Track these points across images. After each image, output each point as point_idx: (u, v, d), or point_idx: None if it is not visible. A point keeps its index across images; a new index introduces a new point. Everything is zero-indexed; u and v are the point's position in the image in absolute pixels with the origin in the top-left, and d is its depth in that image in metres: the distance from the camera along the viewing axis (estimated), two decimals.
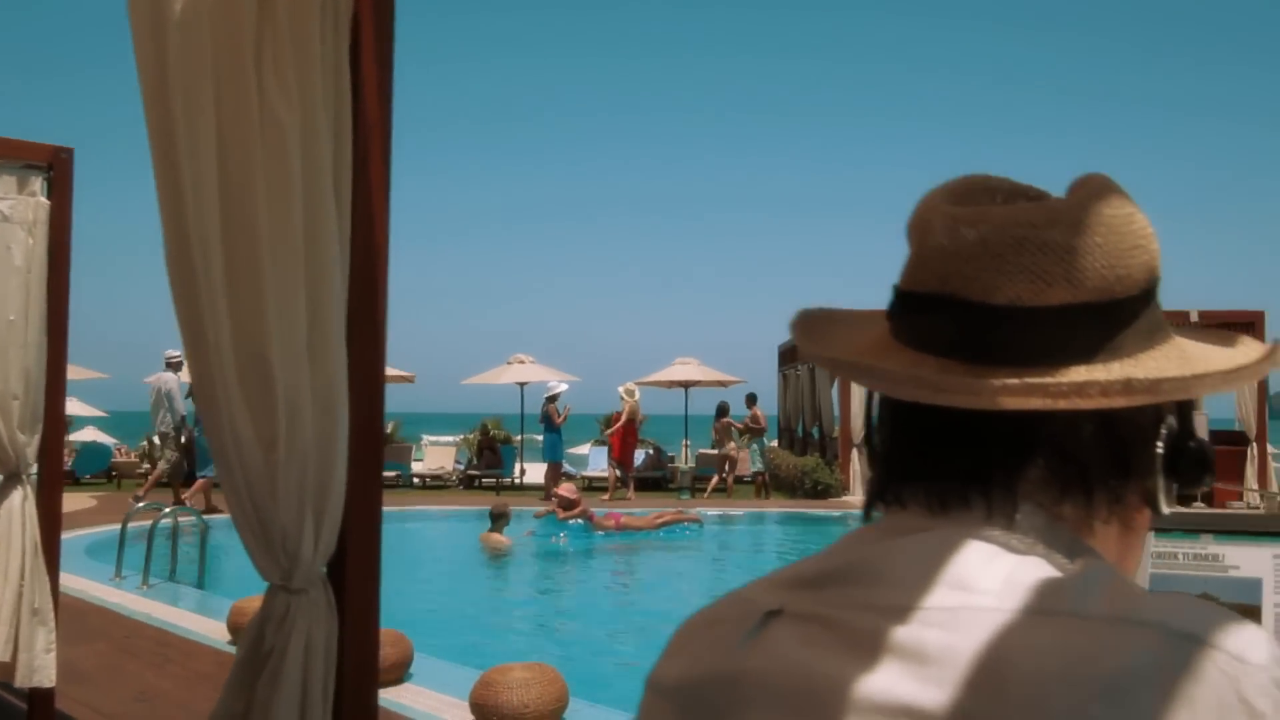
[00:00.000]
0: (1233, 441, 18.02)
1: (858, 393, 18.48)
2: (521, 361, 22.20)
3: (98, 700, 5.62)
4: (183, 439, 15.20)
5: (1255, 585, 1.18)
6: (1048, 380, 0.71)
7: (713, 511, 16.16)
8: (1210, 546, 1.23)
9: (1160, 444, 0.77)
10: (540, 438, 19.71)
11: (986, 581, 0.68)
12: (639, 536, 13.85)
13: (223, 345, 1.99)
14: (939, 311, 0.76)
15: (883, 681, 0.66)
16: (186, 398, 14.76)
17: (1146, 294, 0.77)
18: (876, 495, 0.81)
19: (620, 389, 19.57)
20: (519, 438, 23.41)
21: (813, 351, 0.82)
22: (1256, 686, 0.62)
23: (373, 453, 2.22)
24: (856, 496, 18.52)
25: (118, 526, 10.07)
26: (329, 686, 2.11)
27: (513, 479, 21.66)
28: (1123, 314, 0.75)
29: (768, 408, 22.10)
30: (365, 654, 2.22)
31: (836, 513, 16.44)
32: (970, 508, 0.74)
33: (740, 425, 19.96)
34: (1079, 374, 0.72)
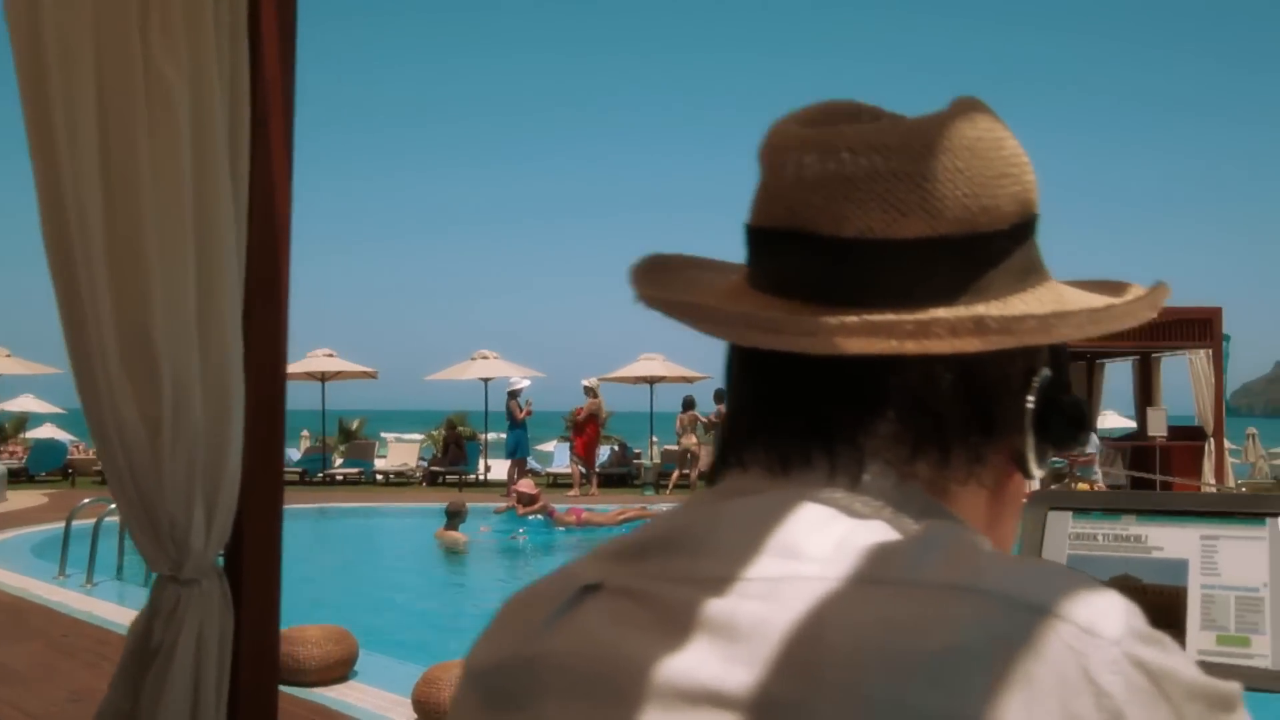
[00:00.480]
0: (1191, 437, 18.19)
1: None
2: (485, 357, 22.03)
3: (27, 701, 5.45)
4: None
5: (1180, 567, 1.09)
6: (890, 318, 0.62)
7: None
8: (1132, 527, 1.14)
9: (1031, 399, 0.69)
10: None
11: (815, 548, 0.60)
12: (600, 532, 13.74)
13: (103, 320, 1.86)
14: (788, 248, 0.68)
15: (687, 662, 0.58)
16: None
17: (1019, 230, 0.68)
18: (719, 457, 0.71)
19: (583, 384, 19.46)
20: (484, 434, 23.25)
21: (644, 293, 0.72)
22: (1106, 662, 0.53)
23: (272, 436, 2.10)
24: None
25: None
26: (223, 685, 2.00)
27: (476, 475, 21.50)
28: (989, 251, 0.66)
29: None
30: (264, 650, 2.10)
31: None
32: (812, 467, 0.65)
33: (706, 420, 19.90)
34: (929, 314, 0.63)
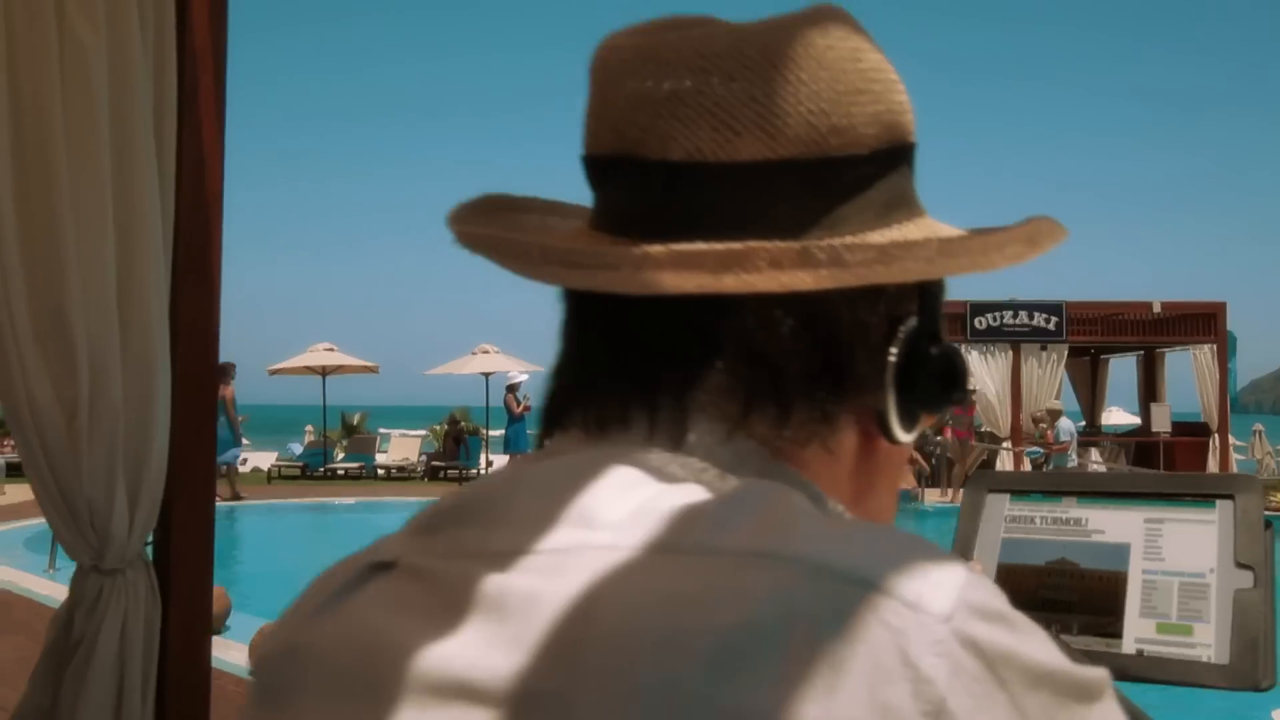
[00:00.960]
0: (1195, 433, 18.06)
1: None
2: (486, 352, 21.96)
3: (8, 698, 5.38)
4: None
5: (1121, 551, 1.01)
6: (700, 248, 0.53)
7: None
8: (1073, 510, 1.05)
9: (894, 351, 0.59)
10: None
11: (611, 514, 0.51)
12: None
13: (14, 297, 1.77)
14: (616, 177, 0.60)
15: (445, 650, 0.49)
16: None
17: (882, 157, 0.59)
18: (543, 418, 0.62)
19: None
20: (485, 429, 23.20)
21: (455, 228, 0.62)
22: (929, 643, 0.45)
23: (203, 420, 2.01)
24: None
25: None
26: (150, 680, 1.90)
27: (477, 470, 21.44)
28: (842, 179, 0.57)
29: None
30: (194, 644, 2.01)
31: None
32: (630, 427, 0.57)
33: None
34: (747, 244, 0.54)
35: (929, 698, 0.44)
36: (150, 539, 1.97)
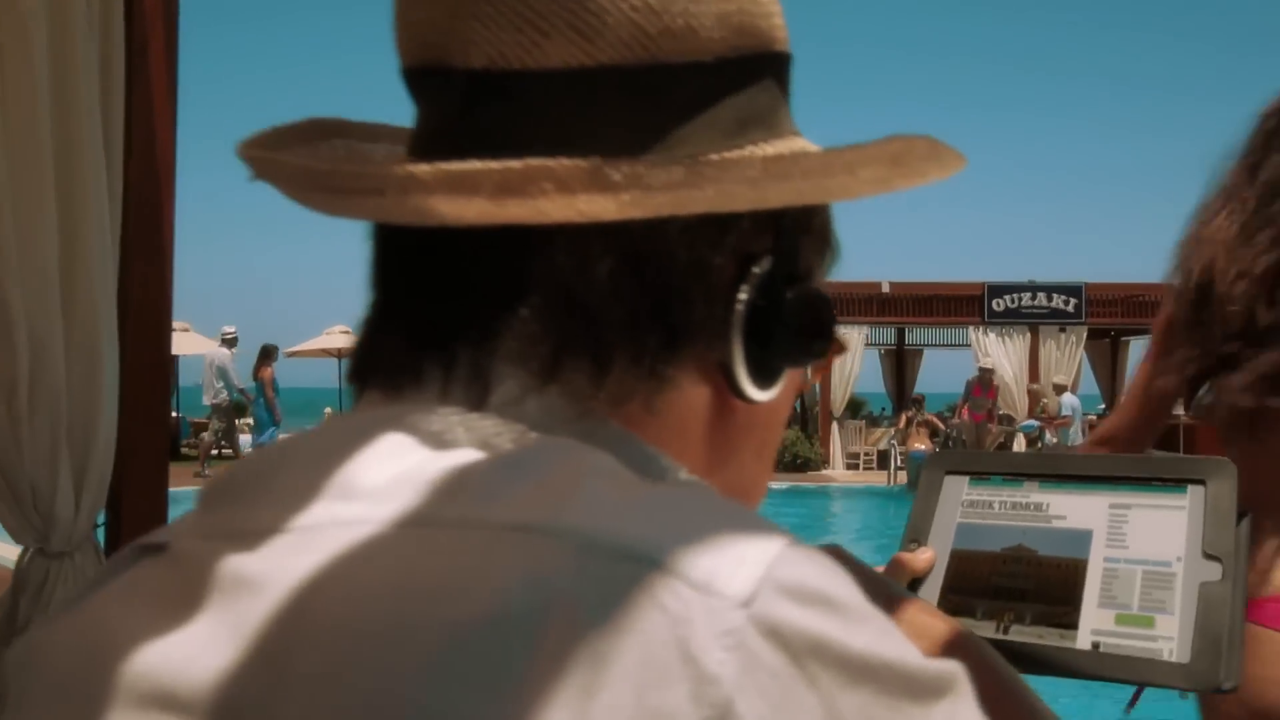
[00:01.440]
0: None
1: (837, 366, 18.31)
2: None
3: None
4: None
5: (1083, 538, 0.93)
6: (475, 167, 0.45)
7: None
8: (1034, 494, 0.97)
9: (742, 297, 0.52)
10: None
11: (370, 483, 0.44)
12: None
13: None
14: (422, 90, 0.53)
15: (162, 652, 0.43)
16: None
17: (734, 67, 0.51)
18: (349, 376, 0.54)
19: None
20: None
21: (245, 150, 0.55)
22: (717, 634, 0.38)
23: (155, 397, 1.94)
24: (837, 470, 18.37)
25: None
26: None
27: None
28: (679, 90, 0.49)
29: None
30: None
31: (815, 486, 16.25)
32: (423, 384, 0.49)
33: None
34: (528, 162, 0.46)
35: (712, 701, 0.37)
36: (103, 522, 1.91)
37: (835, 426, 18.34)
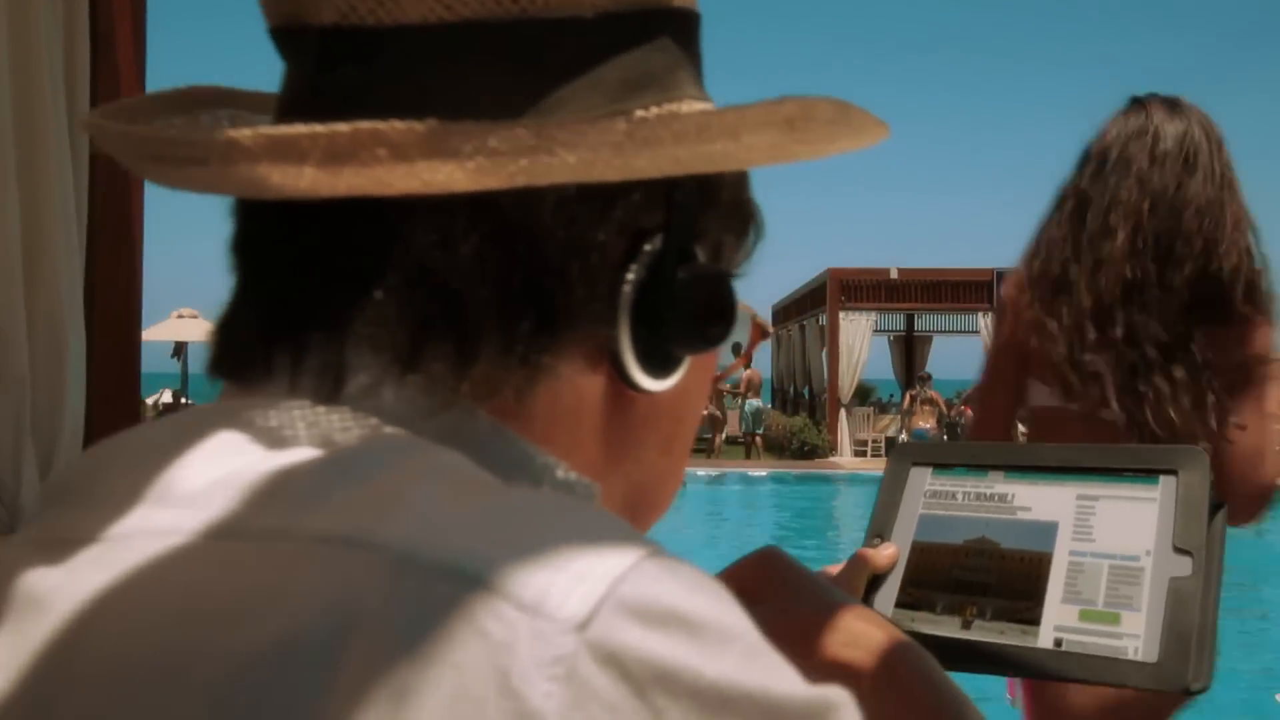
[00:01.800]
0: None
1: (845, 352, 18.27)
2: None
3: None
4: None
5: (1048, 530, 0.88)
6: (300, 131, 0.41)
7: (699, 471, 15.89)
8: (998, 485, 0.93)
9: (630, 277, 0.48)
10: None
11: (190, 487, 0.41)
12: None
13: None
14: (284, 50, 0.49)
15: None
16: (172, 356, 15.56)
17: (620, 23, 0.46)
18: (206, 367, 0.50)
19: None
20: None
21: (86, 120, 0.51)
22: (545, 661, 0.33)
23: (124, 386, 1.90)
24: (844, 457, 18.32)
25: None
26: None
27: None
28: (556, 48, 0.45)
29: (763, 368, 21.92)
30: None
31: (823, 473, 16.21)
32: (272, 375, 0.45)
33: (728, 388, 19.73)
34: (371, 125, 0.42)
35: None
36: None
37: (843, 413, 18.29)
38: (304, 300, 0.45)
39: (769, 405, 22.33)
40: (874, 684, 0.63)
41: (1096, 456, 0.89)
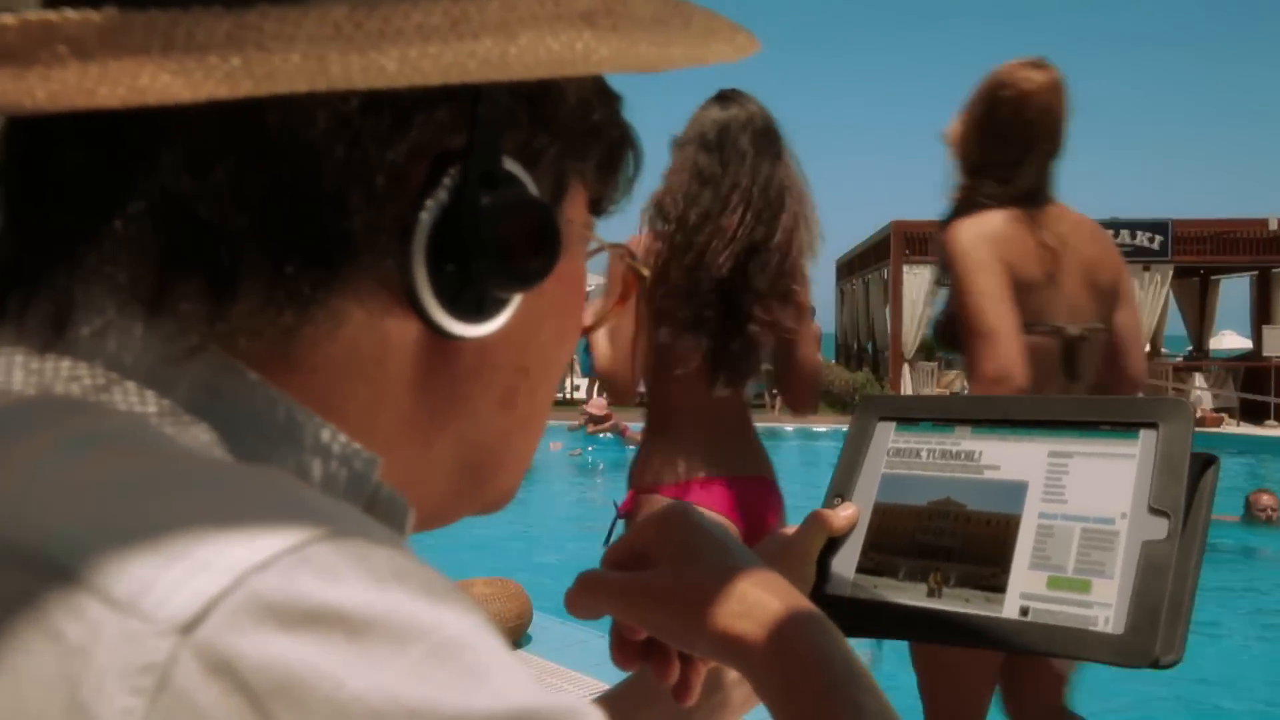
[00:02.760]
0: None
1: (908, 306, 17.99)
2: None
3: None
4: None
5: (1017, 491, 0.81)
6: None
7: (760, 425, 15.79)
8: (965, 442, 0.86)
9: (430, 204, 0.42)
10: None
11: None
12: None
13: None
14: None
15: None
16: None
17: None
18: None
19: None
20: None
21: None
22: (129, 670, 0.27)
23: None
24: None
25: None
26: None
27: (562, 394, 21.63)
28: None
29: (824, 323, 21.73)
30: None
31: None
32: (4, 318, 0.41)
33: None
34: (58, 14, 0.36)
35: None
36: None
37: (907, 369, 18.03)
38: (41, 234, 0.40)
39: (832, 360, 22.13)
40: (763, 659, 0.56)
41: (1072, 409, 0.81)
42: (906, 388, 18.02)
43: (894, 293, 18.47)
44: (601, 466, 13.06)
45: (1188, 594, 0.71)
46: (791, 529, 0.84)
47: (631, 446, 13.65)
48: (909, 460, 0.86)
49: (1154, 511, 0.73)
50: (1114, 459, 0.77)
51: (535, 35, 0.38)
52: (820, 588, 0.81)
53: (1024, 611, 0.74)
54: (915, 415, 0.87)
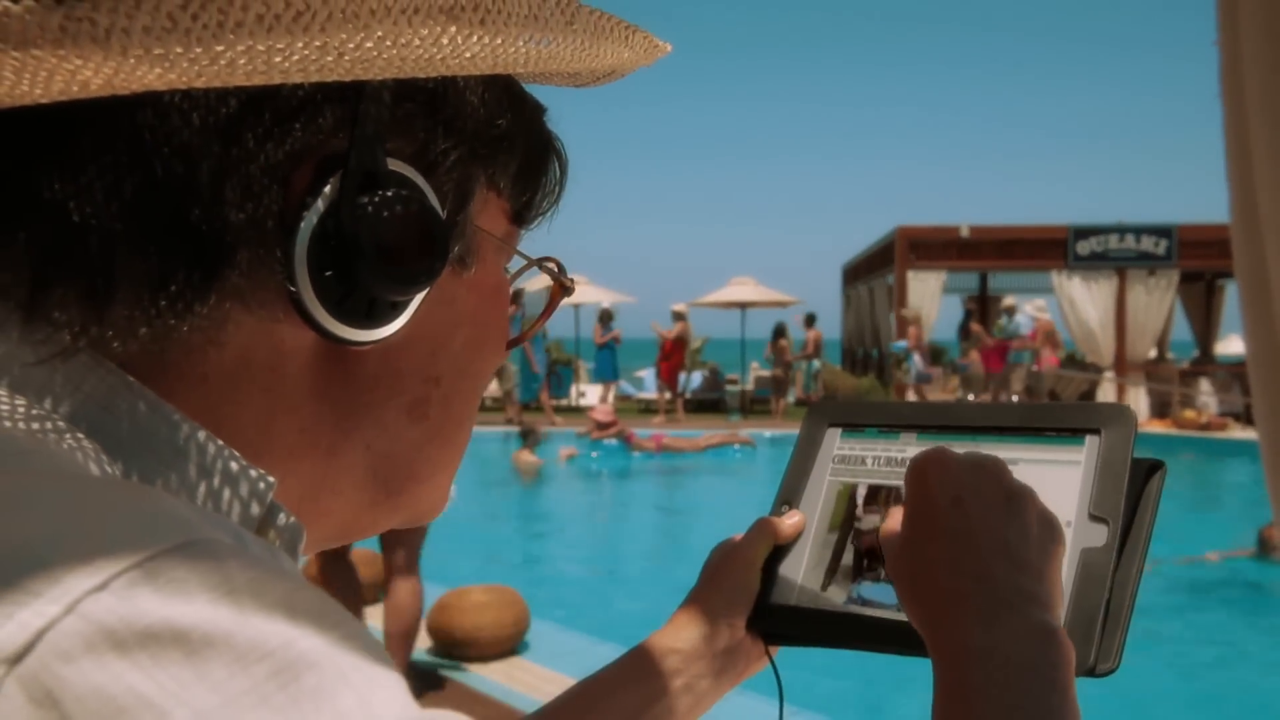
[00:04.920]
0: None
1: (913, 312, 17.92)
2: (576, 283, 21.97)
3: None
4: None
5: None
6: None
7: (766, 433, 15.74)
8: (911, 448, 0.84)
9: (315, 209, 0.41)
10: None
11: None
12: (683, 458, 13.56)
13: None
14: None
15: None
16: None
17: None
18: None
19: (673, 309, 19.35)
20: (576, 360, 23.33)
21: None
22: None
23: None
24: None
25: None
26: None
27: (566, 400, 21.61)
28: None
29: (831, 328, 21.67)
30: None
31: None
32: None
33: (795, 355, 19.53)
34: None
35: None
36: None
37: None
38: None
39: (838, 366, 22.06)
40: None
41: (1017, 415, 0.80)
42: (911, 393, 17.96)
43: (899, 299, 18.41)
44: (604, 473, 13.02)
45: (1127, 602, 0.70)
46: (739, 536, 0.83)
47: (638, 453, 13.67)
48: (854, 468, 0.85)
49: (1093, 518, 0.72)
50: (1059, 466, 0.76)
51: (392, 28, 0.36)
52: (765, 595, 0.80)
53: None
54: (862, 421, 0.87)
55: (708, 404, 20.67)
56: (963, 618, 0.58)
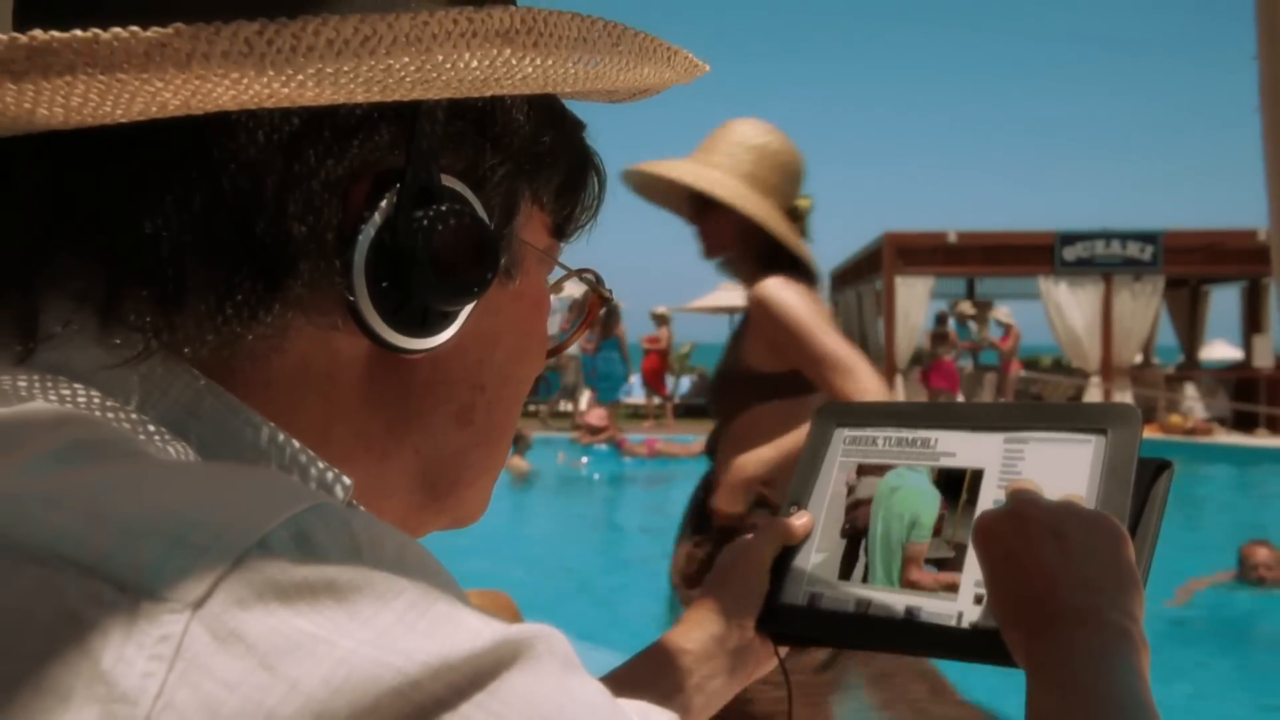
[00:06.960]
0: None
1: (902, 318, 18.01)
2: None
3: None
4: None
5: (972, 479, 0.82)
6: None
7: None
8: (921, 430, 0.86)
9: (374, 224, 0.44)
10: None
11: None
12: (677, 464, 13.58)
13: None
14: None
15: None
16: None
17: None
18: None
19: (653, 312, 19.40)
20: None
21: None
22: (148, 640, 0.31)
23: None
24: None
25: None
26: None
27: (549, 405, 21.61)
28: None
29: None
30: None
31: None
32: None
33: None
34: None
35: None
36: None
37: (900, 380, 18.02)
38: (11, 253, 0.42)
39: None
40: None
41: (1024, 416, 0.82)
42: (900, 397, 18.03)
43: (887, 304, 18.48)
44: (596, 477, 13.04)
45: None
46: (749, 537, 0.85)
47: (629, 459, 13.68)
48: (865, 449, 0.87)
49: None
50: (1070, 445, 0.78)
51: (451, 51, 0.39)
52: (774, 596, 0.82)
53: (978, 600, 0.74)
54: (870, 423, 0.88)
55: (696, 409, 20.72)
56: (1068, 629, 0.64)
